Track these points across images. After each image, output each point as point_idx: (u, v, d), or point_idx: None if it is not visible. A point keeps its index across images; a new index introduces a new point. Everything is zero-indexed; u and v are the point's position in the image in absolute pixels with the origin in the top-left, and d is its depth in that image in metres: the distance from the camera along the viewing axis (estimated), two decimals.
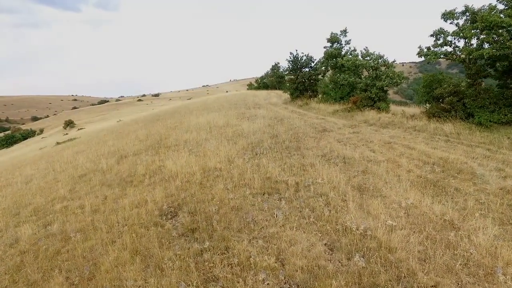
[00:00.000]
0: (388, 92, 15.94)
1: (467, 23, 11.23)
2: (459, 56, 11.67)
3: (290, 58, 23.41)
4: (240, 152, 8.60)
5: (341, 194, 5.49)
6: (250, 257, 3.87)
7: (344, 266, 3.61)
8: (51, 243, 4.99)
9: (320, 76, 23.33)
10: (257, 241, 4.24)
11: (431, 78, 12.56)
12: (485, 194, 5.25)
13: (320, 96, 21.61)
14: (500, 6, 10.21)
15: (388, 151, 8.22)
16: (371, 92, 15.19)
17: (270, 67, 48.59)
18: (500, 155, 7.32)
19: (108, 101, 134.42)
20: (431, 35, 12.13)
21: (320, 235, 4.31)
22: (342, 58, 18.07)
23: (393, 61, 16.11)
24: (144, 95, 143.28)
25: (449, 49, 11.89)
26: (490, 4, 10.51)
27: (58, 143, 22.85)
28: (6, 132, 63.59)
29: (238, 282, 3.46)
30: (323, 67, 22.32)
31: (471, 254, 3.65)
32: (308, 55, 23.13)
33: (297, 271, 3.58)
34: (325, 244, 4.09)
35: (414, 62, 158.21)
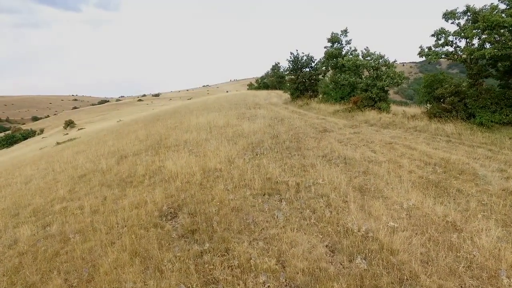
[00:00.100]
0: (388, 92, 15.90)
1: (469, 23, 11.18)
2: (460, 56, 11.62)
3: (291, 58, 23.37)
4: (240, 152, 8.56)
5: (342, 195, 5.45)
6: (251, 259, 3.83)
7: (345, 269, 3.57)
8: (50, 244, 4.95)
9: (320, 76, 23.28)
10: (257, 243, 4.20)
11: (432, 78, 12.51)
12: (488, 195, 5.20)
13: (320, 96, 21.57)
14: (502, 6, 10.17)
15: (389, 151, 8.18)
16: (371, 92, 15.15)
17: (271, 67, 48.54)
18: (502, 156, 7.27)
19: (108, 101, 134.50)
20: (432, 35, 12.08)
21: (321, 236, 4.27)
22: (343, 58, 18.02)
23: (394, 61, 16.07)
24: (144, 95, 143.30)
25: (450, 49, 11.86)
26: (491, 3, 10.46)
27: (58, 143, 22.82)
28: (7, 132, 63.60)
29: (239, 285, 3.43)
30: (324, 67, 22.28)
31: (474, 256, 3.60)
32: (308, 55, 23.09)
33: (298, 273, 3.54)
34: (326, 246, 4.05)
35: (415, 62, 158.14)
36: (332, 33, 20.43)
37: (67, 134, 38.56)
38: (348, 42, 20.08)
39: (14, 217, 6.57)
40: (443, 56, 11.86)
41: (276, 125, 12.51)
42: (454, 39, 11.59)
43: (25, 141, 48.05)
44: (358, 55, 17.47)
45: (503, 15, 9.70)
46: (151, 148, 10.72)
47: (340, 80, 17.85)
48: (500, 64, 10.10)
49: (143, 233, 4.81)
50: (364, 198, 5.31)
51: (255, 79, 63.70)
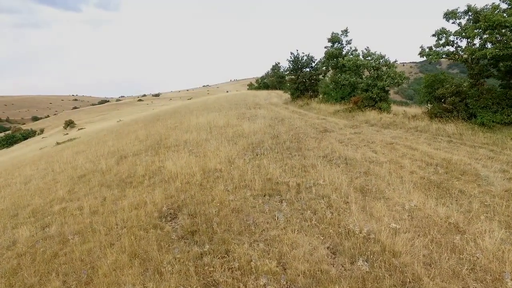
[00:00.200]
0: (389, 92, 15.86)
1: (470, 22, 11.14)
2: (462, 56, 11.58)
3: (291, 58, 23.33)
4: (240, 152, 8.52)
5: (343, 196, 5.41)
6: (251, 261, 3.78)
7: (347, 271, 3.53)
8: (48, 246, 4.91)
9: (321, 76, 23.24)
10: (258, 244, 4.16)
11: (432, 78, 12.46)
12: (490, 196, 5.15)
13: (321, 96, 21.53)
14: (504, 6, 10.12)
15: (390, 152, 8.13)
16: (372, 92, 15.11)
17: (271, 67, 48.52)
18: (504, 156, 7.23)
19: (108, 101, 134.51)
20: (433, 35, 12.04)
21: (322, 238, 4.22)
22: (343, 58, 17.98)
23: (395, 61, 16.03)
24: (144, 95, 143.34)
25: (451, 49, 11.81)
26: (493, 3, 10.41)
27: (58, 143, 22.79)
28: (7, 132, 63.59)
29: (239, 287, 3.38)
30: (324, 67, 22.24)
31: (478, 258, 3.56)
32: (309, 55, 23.06)
33: (299, 275, 3.50)
34: (327, 248, 4.01)
35: (415, 62, 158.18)
36: (333, 33, 20.39)
37: (67, 134, 38.53)
38: (348, 42, 20.05)
39: (13, 218, 6.53)
40: (444, 56, 11.82)
41: (276, 125, 12.47)
42: (455, 39, 11.54)
43: (25, 141, 48.04)
44: (358, 55, 17.42)
45: (505, 14, 9.65)
46: (151, 148, 10.68)
47: (340, 80, 17.81)
48: (501, 64, 10.05)
49: (143, 234, 4.77)
50: (365, 199, 5.27)
51: (255, 79, 63.64)
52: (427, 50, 12.11)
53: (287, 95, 26.35)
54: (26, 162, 15.55)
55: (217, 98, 34.42)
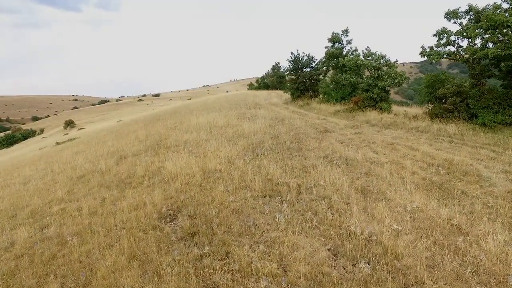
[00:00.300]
0: (389, 92, 15.81)
1: (471, 22, 11.08)
2: (463, 56, 11.53)
3: (291, 58, 23.28)
4: (240, 153, 8.47)
5: (344, 197, 5.36)
6: (251, 263, 3.74)
7: (349, 273, 3.48)
8: (47, 247, 4.86)
9: (321, 76, 23.19)
10: (258, 246, 4.11)
11: (433, 78, 12.40)
12: (493, 197, 5.10)
13: (321, 96, 21.47)
14: (505, 5, 10.07)
15: (391, 152, 8.08)
16: (373, 92, 15.05)
17: (271, 67, 48.44)
18: (506, 157, 7.18)
19: (108, 101, 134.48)
20: (434, 35, 11.98)
21: (323, 239, 4.18)
22: (344, 58, 17.94)
23: (395, 61, 15.98)
24: (144, 95, 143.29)
25: (452, 49, 11.75)
26: (494, 3, 10.36)
27: (57, 143, 22.74)
28: (7, 132, 63.55)
29: None
30: (324, 67, 22.19)
31: (481, 261, 3.51)
32: (309, 55, 23.02)
33: (300, 278, 3.46)
34: (328, 250, 3.96)
35: (415, 62, 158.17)
36: (333, 33, 20.33)
37: (67, 134, 38.49)
38: (349, 42, 20.00)
39: (12, 219, 6.49)
40: (445, 56, 11.76)
41: (276, 126, 12.42)
42: (456, 39, 11.49)
43: (25, 141, 48.00)
44: (359, 55, 17.37)
45: (506, 14, 9.60)
46: (150, 148, 10.64)
47: (341, 80, 17.76)
48: (503, 64, 9.99)
49: (142, 236, 4.72)
50: (366, 200, 5.22)
51: (255, 79, 63.59)
52: (428, 50, 12.05)
53: (287, 95, 26.29)
54: (25, 162, 15.51)
55: (217, 98, 34.38)
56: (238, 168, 7.17)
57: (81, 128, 44.08)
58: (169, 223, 5.07)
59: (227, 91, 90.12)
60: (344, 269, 3.57)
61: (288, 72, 24.71)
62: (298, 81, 22.93)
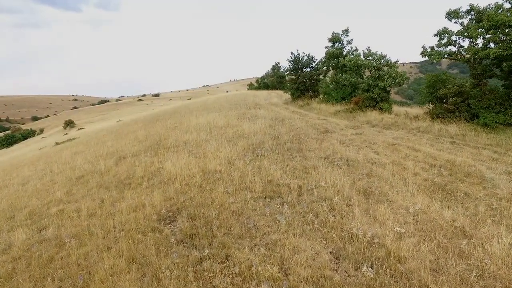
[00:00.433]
0: (390, 92, 15.75)
1: (472, 22, 11.02)
2: (464, 56, 11.46)
3: (291, 58, 23.21)
4: (240, 153, 8.41)
5: (345, 198, 5.30)
6: (252, 266, 3.67)
7: (351, 277, 3.42)
8: (44, 249, 4.79)
9: (321, 76, 23.12)
10: (259, 249, 4.05)
11: (434, 79, 12.34)
12: (496, 199, 5.04)
13: (321, 96, 21.41)
14: (507, 5, 10.01)
15: (392, 153, 8.02)
16: (373, 93, 14.99)
17: (271, 67, 48.38)
18: (508, 158, 7.11)
19: (108, 101, 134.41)
20: (435, 35, 11.92)
21: (325, 242, 4.11)
22: (344, 58, 17.87)
23: (396, 61, 15.92)
24: (144, 95, 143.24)
25: (454, 49, 11.69)
26: (496, 2, 10.30)
27: (57, 143, 22.66)
28: (6, 132, 63.46)
29: None
30: (325, 67, 22.12)
31: (486, 264, 3.45)
32: (309, 55, 22.95)
33: (301, 282, 3.39)
34: (330, 253, 3.89)
35: (415, 62, 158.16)
36: (333, 33, 20.27)
37: (66, 134, 38.41)
38: (349, 42, 19.93)
39: (10, 220, 6.42)
40: (446, 56, 11.69)
41: (276, 126, 12.35)
42: (457, 38, 11.43)
43: (25, 141, 47.92)
44: (359, 55, 17.31)
45: (508, 14, 9.54)
46: (150, 149, 10.57)
47: (341, 80, 17.70)
48: (505, 64, 9.92)
49: (141, 238, 4.66)
50: (368, 202, 5.16)
51: (255, 79, 63.51)
52: (429, 50, 11.99)
53: (287, 95, 26.23)
54: (24, 162, 15.44)
55: (217, 98, 34.30)
56: (238, 169, 7.10)
57: (80, 128, 44.01)
58: (168, 225, 5.01)
59: (227, 91, 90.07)
60: (347, 272, 3.50)
61: (288, 72, 24.64)
62: (298, 81, 22.86)
